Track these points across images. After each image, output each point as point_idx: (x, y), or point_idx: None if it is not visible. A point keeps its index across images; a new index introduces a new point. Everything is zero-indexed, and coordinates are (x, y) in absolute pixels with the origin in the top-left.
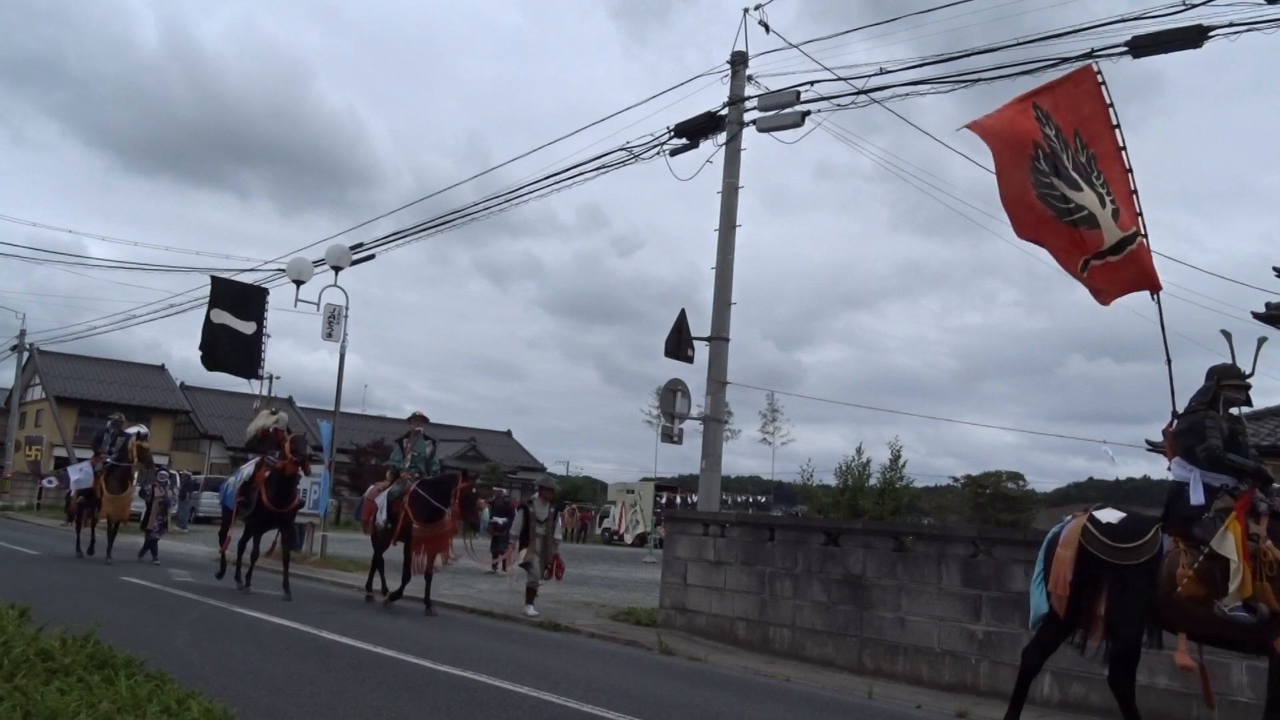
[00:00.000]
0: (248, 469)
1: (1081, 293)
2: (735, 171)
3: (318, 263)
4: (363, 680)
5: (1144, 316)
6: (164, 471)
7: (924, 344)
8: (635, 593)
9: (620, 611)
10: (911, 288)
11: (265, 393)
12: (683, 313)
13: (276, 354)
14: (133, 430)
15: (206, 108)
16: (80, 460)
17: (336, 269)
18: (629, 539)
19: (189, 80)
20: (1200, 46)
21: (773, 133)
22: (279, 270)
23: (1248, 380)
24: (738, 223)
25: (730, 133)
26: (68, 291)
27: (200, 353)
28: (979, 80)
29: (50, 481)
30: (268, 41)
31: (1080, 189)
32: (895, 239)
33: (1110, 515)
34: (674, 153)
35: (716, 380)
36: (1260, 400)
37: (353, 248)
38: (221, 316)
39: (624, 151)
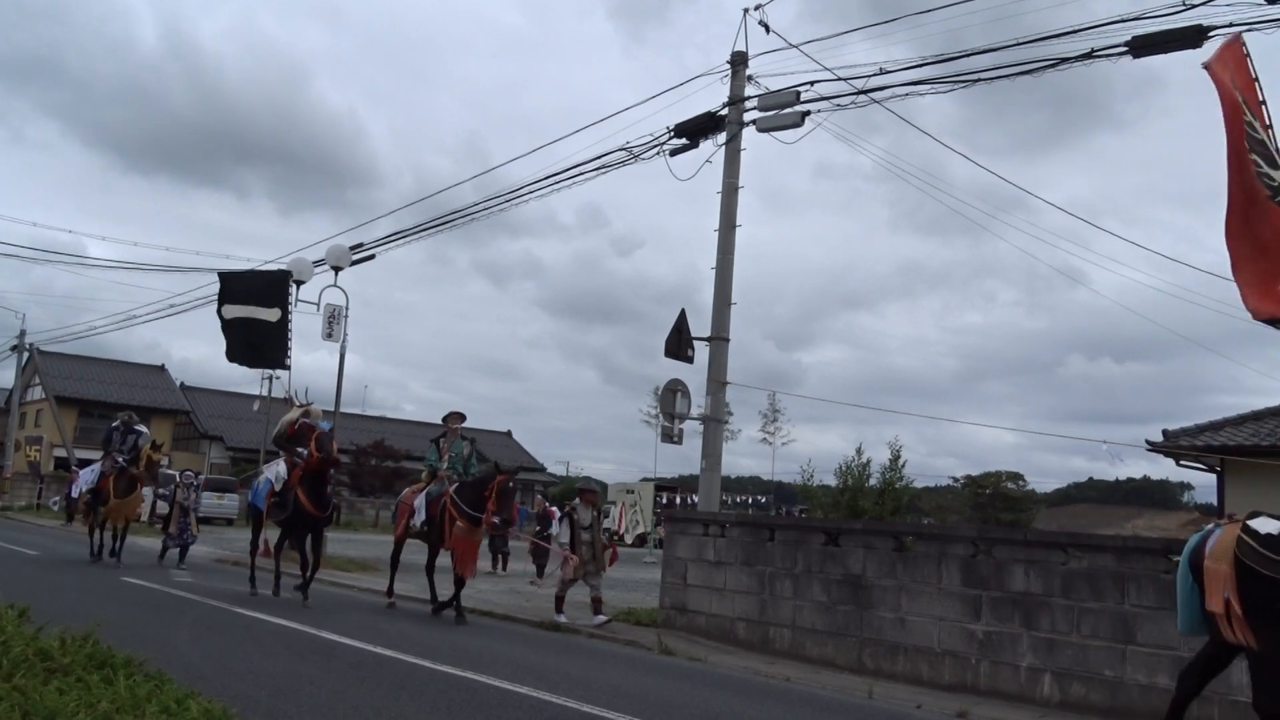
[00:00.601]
0: (279, 468)
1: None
2: (735, 171)
3: (317, 263)
4: (363, 680)
5: (1144, 316)
6: (188, 472)
7: (924, 344)
8: (635, 593)
9: (620, 611)
10: (911, 288)
11: (287, 390)
12: (683, 313)
13: None
14: (143, 429)
15: (206, 107)
16: (82, 461)
17: (336, 269)
18: (629, 539)
19: (189, 80)
20: (1200, 46)
21: (772, 133)
22: (279, 270)
23: None
24: (738, 223)
25: (730, 133)
26: (67, 291)
27: (226, 355)
28: (978, 80)
29: (56, 503)
30: (267, 41)
31: (1277, 165)
32: (895, 239)
33: (1269, 525)
34: (674, 153)
35: (716, 380)
36: (1260, 400)
37: (353, 248)
38: (236, 311)
39: (624, 151)
